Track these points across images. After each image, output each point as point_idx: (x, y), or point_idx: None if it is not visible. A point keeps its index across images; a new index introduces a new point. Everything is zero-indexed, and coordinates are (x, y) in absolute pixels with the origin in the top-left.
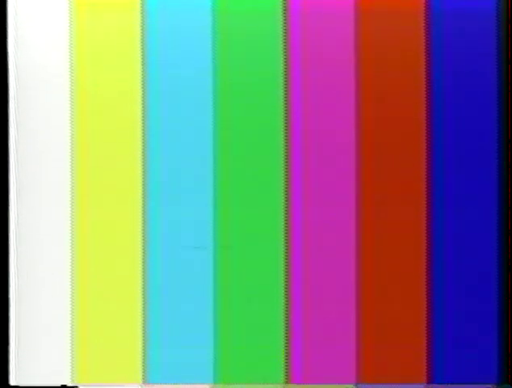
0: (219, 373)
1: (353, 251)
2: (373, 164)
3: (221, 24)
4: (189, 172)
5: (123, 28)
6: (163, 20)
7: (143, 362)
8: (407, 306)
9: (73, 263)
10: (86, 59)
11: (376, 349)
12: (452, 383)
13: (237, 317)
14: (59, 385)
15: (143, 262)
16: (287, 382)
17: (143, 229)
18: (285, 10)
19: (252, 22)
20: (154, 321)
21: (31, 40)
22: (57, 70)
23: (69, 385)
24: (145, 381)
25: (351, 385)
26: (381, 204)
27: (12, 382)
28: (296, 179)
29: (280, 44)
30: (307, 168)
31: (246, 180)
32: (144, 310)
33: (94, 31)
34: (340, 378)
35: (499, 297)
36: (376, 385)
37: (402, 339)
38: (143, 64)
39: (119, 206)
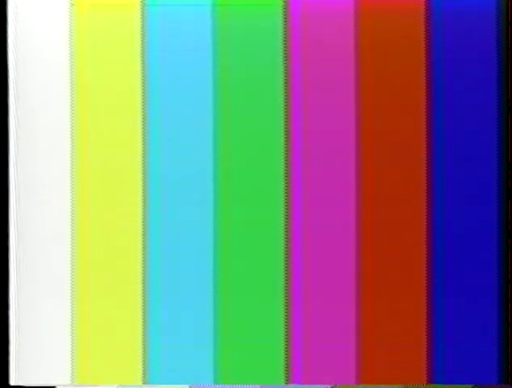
0: (219, 373)
1: (353, 251)
2: (373, 164)
3: (221, 23)
4: (189, 172)
5: (122, 27)
6: (163, 18)
7: (143, 362)
8: (407, 306)
9: (73, 262)
10: (87, 59)
11: (376, 349)
12: (452, 383)
13: (237, 317)
14: (59, 385)
15: (143, 262)
16: (287, 382)
17: (143, 229)
18: (285, 10)
19: (252, 22)
20: (154, 321)
21: (31, 38)
22: (57, 70)
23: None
24: (145, 381)
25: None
26: (381, 204)
27: (12, 382)
28: (296, 178)
29: (280, 43)
30: (307, 168)
31: (246, 180)
32: (144, 310)
33: (94, 30)
34: (340, 378)
35: (499, 297)
36: (376, 386)
37: (402, 339)
38: (143, 63)
39: (119, 206)
